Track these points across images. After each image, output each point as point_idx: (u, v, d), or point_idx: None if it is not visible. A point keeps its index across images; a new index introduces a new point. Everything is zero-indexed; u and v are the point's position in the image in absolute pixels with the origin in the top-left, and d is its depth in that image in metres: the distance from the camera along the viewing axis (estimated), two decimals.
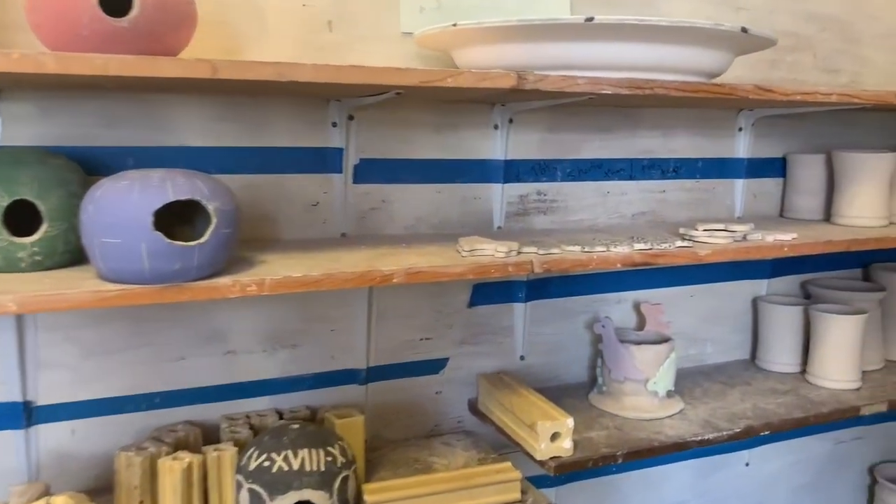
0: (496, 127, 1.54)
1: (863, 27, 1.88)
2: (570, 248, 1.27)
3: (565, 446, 1.32)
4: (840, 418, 1.56)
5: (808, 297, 1.88)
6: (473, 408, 1.57)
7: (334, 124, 1.41)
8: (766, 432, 1.48)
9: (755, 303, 1.85)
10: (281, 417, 1.38)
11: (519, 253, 1.24)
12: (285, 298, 1.41)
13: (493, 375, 1.56)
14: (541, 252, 1.25)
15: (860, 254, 1.94)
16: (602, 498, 1.76)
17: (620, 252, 1.27)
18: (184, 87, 1.19)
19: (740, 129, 1.78)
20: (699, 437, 1.42)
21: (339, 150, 1.42)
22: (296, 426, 1.20)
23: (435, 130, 1.49)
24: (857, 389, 1.65)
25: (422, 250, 1.28)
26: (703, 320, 1.81)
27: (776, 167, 1.84)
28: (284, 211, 1.40)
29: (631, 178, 1.68)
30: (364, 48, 1.41)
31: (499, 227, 1.57)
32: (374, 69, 1.05)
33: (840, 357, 1.65)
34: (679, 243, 1.34)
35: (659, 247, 1.30)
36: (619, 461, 1.35)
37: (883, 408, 1.59)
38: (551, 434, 1.30)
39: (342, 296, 1.46)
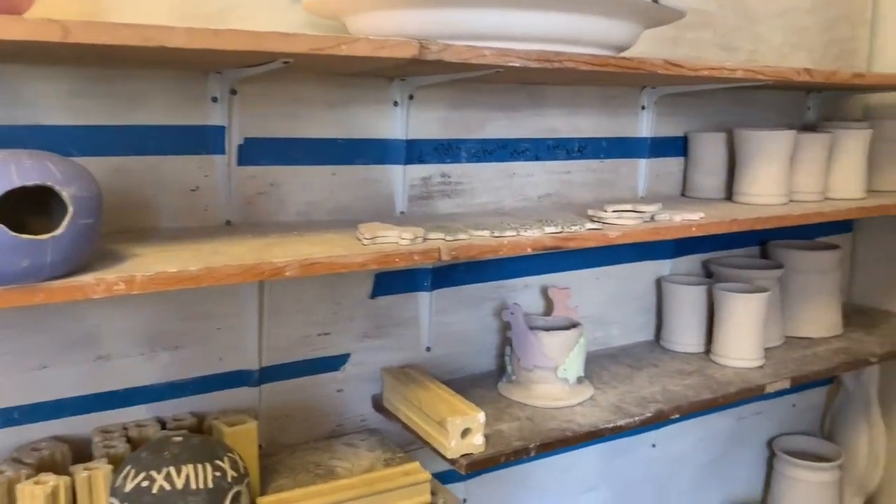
0: (396, 104, 1.44)
1: (759, 6, 1.88)
2: (479, 233, 1.19)
3: (476, 442, 1.24)
4: (746, 397, 1.56)
5: (709, 276, 1.88)
6: (378, 405, 1.48)
7: (214, 99, 1.27)
8: (676, 416, 1.45)
9: (659, 283, 1.84)
10: (164, 427, 1.24)
11: (425, 240, 1.15)
12: (165, 295, 1.26)
13: (397, 370, 1.46)
14: (448, 238, 1.16)
15: (758, 232, 1.96)
16: (512, 488, 1.71)
17: (531, 236, 1.20)
18: (35, 55, 1.02)
19: (643, 108, 1.74)
20: (612, 424, 1.38)
21: (221, 129, 1.28)
22: (178, 439, 1.07)
23: (328, 107, 1.37)
24: (761, 367, 1.66)
25: (317, 239, 1.17)
26: (609, 303, 1.78)
27: (677, 146, 1.82)
28: (160, 197, 1.25)
29: (536, 158, 1.62)
30: (247, 16, 1.27)
31: (401, 213, 1.47)
32: (257, 34, 0.92)
33: (743, 336, 1.66)
34: (589, 225, 1.28)
35: (569, 230, 1.24)
36: (532, 454, 1.28)
37: (787, 384, 1.60)
38: (462, 430, 1.23)
39: (229, 290, 1.33)
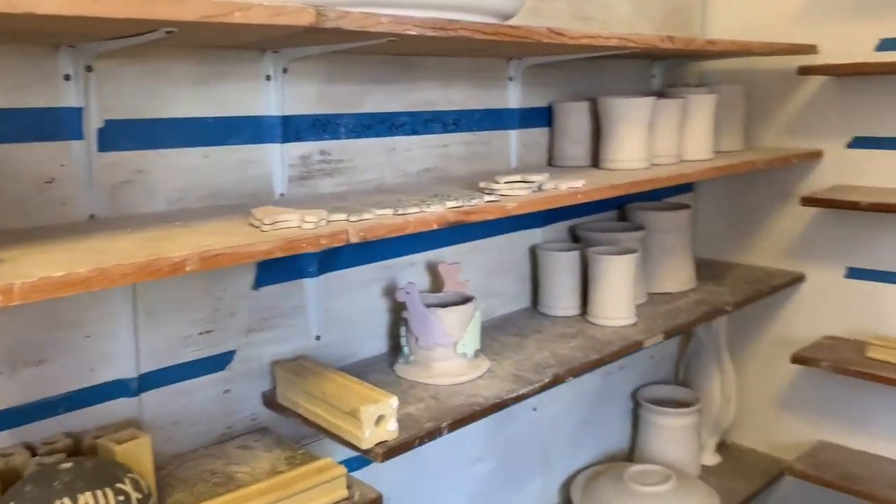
0: (269, 78, 1.34)
1: None
2: (382, 211, 1.14)
3: (391, 429, 1.20)
4: (627, 353, 1.63)
5: (575, 241, 1.94)
6: (270, 401, 1.39)
7: (67, 77, 1.11)
8: (570, 378, 1.49)
9: (533, 252, 1.87)
10: (34, 454, 1.08)
11: (328, 222, 1.08)
12: (21, 304, 1.09)
13: (291, 363, 1.38)
14: (352, 219, 1.10)
15: (618, 196, 2.05)
16: (411, 468, 1.68)
17: (435, 212, 1.16)
18: None
19: (510, 79, 1.75)
20: (515, 394, 1.38)
21: (77, 111, 1.13)
22: (67, 465, 0.94)
23: (197, 83, 1.25)
24: (635, 324, 1.74)
25: (204, 228, 1.06)
26: (488, 274, 1.79)
27: (542, 116, 1.85)
28: (8, 192, 1.08)
29: (414, 132, 1.58)
30: None
31: (281, 195, 1.38)
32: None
33: (617, 296, 1.73)
34: (487, 198, 1.27)
35: (469, 203, 1.22)
36: (445, 433, 1.26)
37: (660, 338, 1.69)
38: (376, 418, 1.18)
39: (95, 292, 1.18)
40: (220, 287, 1.33)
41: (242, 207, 1.24)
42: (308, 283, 1.45)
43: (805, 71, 1.94)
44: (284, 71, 1.35)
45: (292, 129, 1.38)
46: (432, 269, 1.64)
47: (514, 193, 1.32)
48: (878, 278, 2.06)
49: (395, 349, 1.56)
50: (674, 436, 2.17)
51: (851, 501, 2.06)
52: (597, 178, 1.54)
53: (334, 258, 1.48)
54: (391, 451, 1.19)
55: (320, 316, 1.47)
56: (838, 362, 1.97)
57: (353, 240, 1.06)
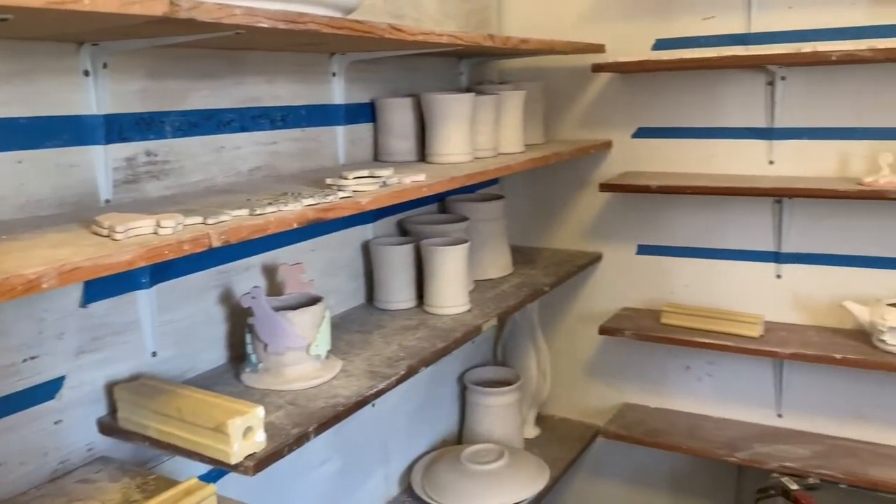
0: (87, 73, 1.21)
1: None
2: (238, 212, 1.08)
3: (259, 440, 1.15)
4: (470, 338, 1.69)
5: (405, 234, 1.98)
6: (109, 427, 1.26)
7: None
8: (423, 368, 1.52)
9: (366, 247, 1.87)
10: None
11: (185, 226, 1.01)
12: None
13: (132, 384, 1.27)
14: (210, 221, 1.03)
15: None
16: (260, 478, 1.61)
17: (295, 210, 1.13)
18: None
19: (334, 75, 1.74)
20: (374, 390, 1.38)
21: None
22: None
23: (6, 79, 1.11)
24: (470, 311, 1.81)
25: (43, 241, 0.95)
26: (324, 273, 1.77)
27: (366, 112, 1.86)
28: None
29: (243, 129, 1.51)
30: None
31: (107, 201, 1.26)
32: None
33: (453, 285, 1.79)
34: (342, 195, 1.25)
35: (325, 200, 1.20)
36: (313, 437, 1.23)
37: (495, 321, 1.77)
38: (243, 431, 1.12)
39: None
40: (43, 307, 1.19)
41: (66, 217, 1.12)
42: (140, 295, 1.34)
43: (598, 68, 2.12)
44: (104, 66, 1.23)
45: (115, 128, 1.27)
46: (269, 271, 1.59)
47: (364, 189, 1.31)
48: (665, 253, 2.32)
49: (238, 359, 1.49)
50: (499, 414, 2.29)
51: (657, 453, 2.31)
52: (434, 172, 1.58)
53: (166, 267, 1.38)
54: (261, 462, 1.14)
55: (155, 330, 1.37)
56: (639, 330, 2.19)
57: (216, 244, 1.00)
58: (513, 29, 2.40)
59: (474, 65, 2.27)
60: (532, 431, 2.47)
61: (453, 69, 2.22)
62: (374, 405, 1.96)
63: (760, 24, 2.08)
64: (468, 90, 2.11)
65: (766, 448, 2.11)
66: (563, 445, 2.39)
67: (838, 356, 1.93)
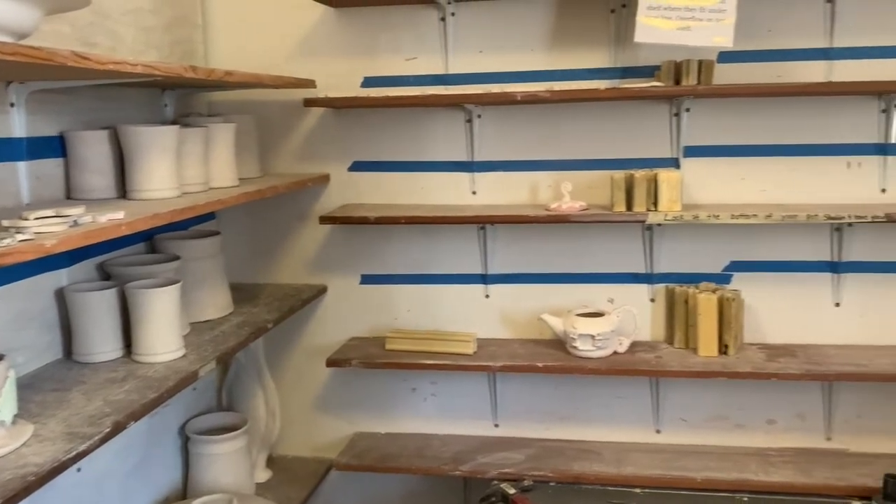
0: None
1: (110, 2, 1.86)
2: None
3: None
4: (185, 386, 1.59)
5: (108, 278, 1.82)
6: None
7: None
8: (132, 422, 1.40)
9: (61, 295, 1.69)
10: None
11: None
12: None
13: None
14: None
15: (148, 228, 1.97)
16: None
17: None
18: None
19: (12, 105, 1.56)
20: (74, 452, 1.24)
21: None
22: None
23: None
24: (185, 356, 1.71)
25: None
26: (9, 327, 1.55)
27: (55, 146, 1.69)
28: None
29: None
30: None
31: None
32: None
33: (164, 329, 1.67)
34: (20, 237, 1.11)
35: (2, 244, 1.06)
36: None
37: (213, 365, 1.69)
38: None
39: None
40: None
41: None
42: None
43: (310, 103, 2.14)
44: None
45: None
46: None
47: (50, 230, 1.19)
48: (387, 281, 2.40)
49: None
50: (226, 461, 2.18)
51: (389, 477, 2.36)
52: (135, 209, 1.47)
53: None
54: None
55: None
56: (365, 358, 2.23)
57: None
58: (221, 61, 2.34)
59: (181, 96, 2.18)
60: (263, 475, 2.39)
61: (157, 100, 2.10)
62: (79, 469, 1.77)
63: (457, 66, 2.25)
64: (174, 122, 2.01)
65: (486, 458, 2.25)
66: (296, 485, 2.34)
67: (540, 364, 2.13)
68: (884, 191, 2.13)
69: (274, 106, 2.35)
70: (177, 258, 1.90)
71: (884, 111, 2.09)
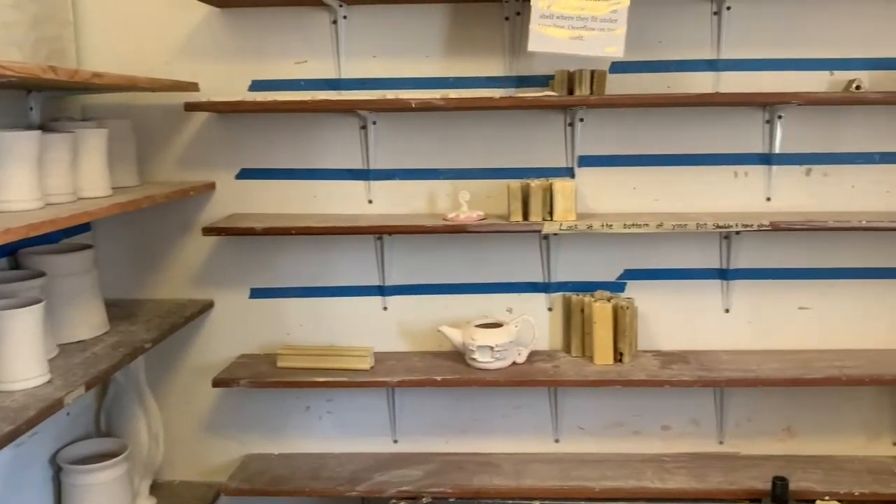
0: None
1: None
2: None
3: None
4: (48, 415, 1.45)
5: None
6: None
7: None
8: None
9: None
10: None
11: None
12: None
13: None
14: None
15: (9, 243, 1.80)
16: None
17: None
18: None
19: None
20: None
21: None
22: None
23: None
24: (51, 381, 1.56)
25: None
26: None
27: None
28: None
29: None
30: None
31: None
32: None
33: (25, 353, 1.53)
34: None
35: None
36: None
37: (82, 391, 1.55)
38: None
39: None
40: None
41: None
42: None
43: (191, 107, 2.02)
44: None
45: None
46: None
47: None
48: (279, 294, 2.29)
49: None
50: (103, 492, 2.01)
51: (283, 500, 2.25)
52: None
53: None
54: None
55: None
56: (255, 377, 2.12)
57: None
58: (96, 62, 2.18)
59: (48, 99, 2.01)
60: (146, 503, 2.23)
61: (21, 103, 1.93)
62: None
63: (350, 71, 2.18)
64: (40, 127, 1.84)
65: (384, 476, 2.18)
66: None
67: (439, 378, 2.08)
68: (769, 199, 2.19)
69: (155, 110, 2.21)
70: (42, 275, 1.74)
71: (768, 122, 2.16)
